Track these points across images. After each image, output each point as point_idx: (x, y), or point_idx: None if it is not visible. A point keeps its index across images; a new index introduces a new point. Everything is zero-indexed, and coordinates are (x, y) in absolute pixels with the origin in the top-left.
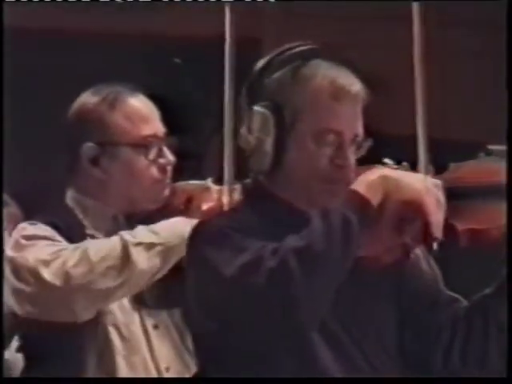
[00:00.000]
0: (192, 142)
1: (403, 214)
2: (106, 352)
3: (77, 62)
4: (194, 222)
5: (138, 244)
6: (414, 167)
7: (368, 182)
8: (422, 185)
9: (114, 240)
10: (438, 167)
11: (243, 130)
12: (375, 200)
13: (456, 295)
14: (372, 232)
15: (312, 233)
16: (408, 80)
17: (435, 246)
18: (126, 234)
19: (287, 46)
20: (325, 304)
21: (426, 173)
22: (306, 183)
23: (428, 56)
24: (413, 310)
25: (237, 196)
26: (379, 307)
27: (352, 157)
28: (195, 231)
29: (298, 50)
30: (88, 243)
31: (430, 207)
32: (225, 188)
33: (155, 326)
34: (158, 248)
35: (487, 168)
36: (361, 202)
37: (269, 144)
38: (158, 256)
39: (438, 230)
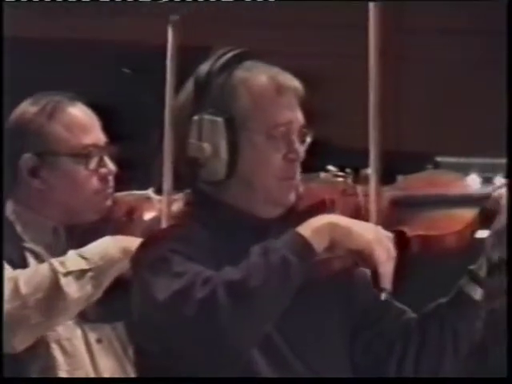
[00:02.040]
0: (140, 152)
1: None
2: (48, 369)
3: (23, 68)
4: (122, 240)
5: (68, 273)
6: (356, 174)
7: (315, 227)
8: (372, 235)
9: (44, 270)
10: (387, 178)
11: (193, 140)
12: (320, 246)
13: (404, 307)
14: None
15: (249, 268)
16: (361, 88)
17: (383, 296)
18: (56, 263)
19: (220, 51)
20: (255, 338)
21: (377, 193)
22: (263, 184)
23: (383, 65)
24: (363, 322)
25: (179, 206)
26: (329, 320)
27: (301, 150)
28: (137, 253)
29: (231, 54)
30: (19, 273)
31: (380, 258)
32: (164, 198)
33: (98, 340)
34: (89, 274)
35: (435, 179)
36: (303, 245)
37: (223, 150)
38: (90, 282)
39: (387, 281)
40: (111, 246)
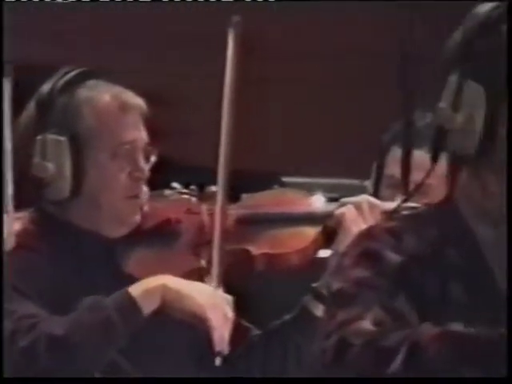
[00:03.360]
0: None
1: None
2: None
3: None
4: None
5: None
6: (201, 191)
7: (147, 288)
8: (205, 299)
9: None
10: (231, 197)
11: (37, 160)
12: (150, 307)
13: (248, 324)
14: (168, 256)
15: (74, 322)
16: (212, 107)
17: (218, 361)
18: None
19: (63, 70)
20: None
21: (222, 211)
22: (108, 202)
23: (238, 85)
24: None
25: (21, 225)
26: (177, 339)
27: (146, 168)
28: None
29: (74, 73)
30: None
31: (213, 322)
32: (6, 217)
33: None
34: None
35: (280, 197)
36: (130, 306)
37: (68, 169)
38: None
39: (221, 345)
40: None
